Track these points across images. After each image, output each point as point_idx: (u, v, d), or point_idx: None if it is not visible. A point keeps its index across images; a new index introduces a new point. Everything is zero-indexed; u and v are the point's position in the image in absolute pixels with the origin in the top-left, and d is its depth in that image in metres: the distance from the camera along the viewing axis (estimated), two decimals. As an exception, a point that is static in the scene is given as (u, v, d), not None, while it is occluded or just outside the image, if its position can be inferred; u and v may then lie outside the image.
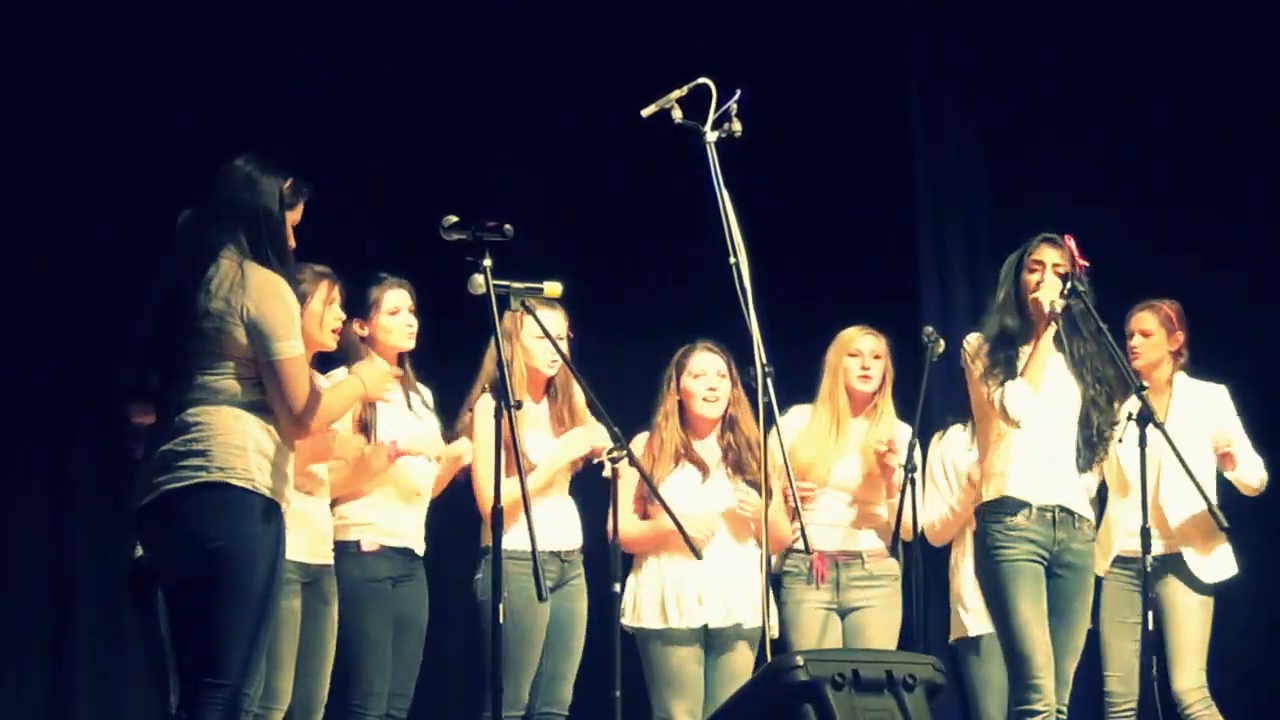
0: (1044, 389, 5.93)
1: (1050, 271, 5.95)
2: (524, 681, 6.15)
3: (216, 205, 4.86)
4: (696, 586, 6.34)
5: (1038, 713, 5.87)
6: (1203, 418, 6.56)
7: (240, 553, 4.71)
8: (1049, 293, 5.89)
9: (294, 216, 4.96)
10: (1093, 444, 5.97)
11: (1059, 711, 5.95)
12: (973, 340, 6.06)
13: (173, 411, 4.77)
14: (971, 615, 6.71)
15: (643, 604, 6.37)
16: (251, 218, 4.85)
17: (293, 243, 4.97)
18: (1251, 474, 6.55)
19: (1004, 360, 5.94)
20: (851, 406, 6.64)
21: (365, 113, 7.75)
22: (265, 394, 4.81)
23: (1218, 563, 6.54)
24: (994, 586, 5.96)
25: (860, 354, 6.61)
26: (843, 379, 6.61)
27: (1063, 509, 5.96)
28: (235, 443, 4.75)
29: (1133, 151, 8.04)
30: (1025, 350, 5.97)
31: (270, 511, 4.78)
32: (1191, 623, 6.49)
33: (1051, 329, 5.91)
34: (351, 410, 5.86)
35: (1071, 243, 6.01)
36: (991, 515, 5.98)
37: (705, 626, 6.34)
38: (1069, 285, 5.87)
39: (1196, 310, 6.77)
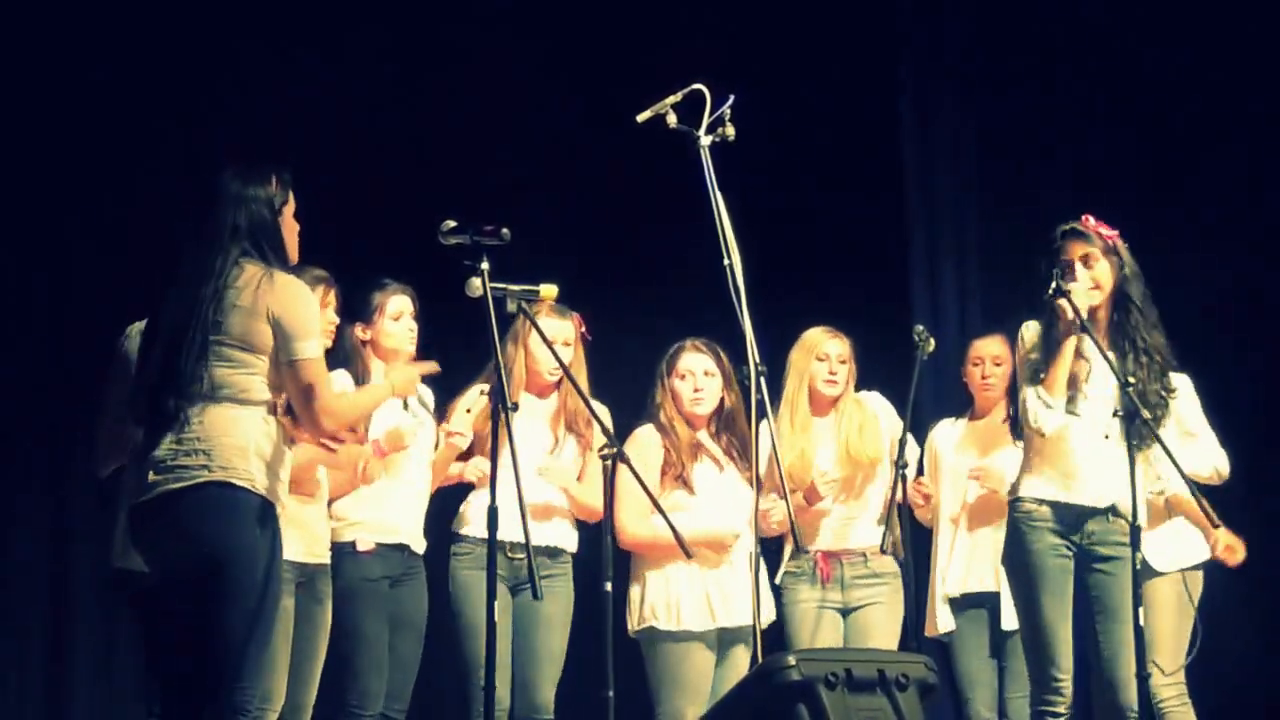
0: (1085, 389, 5.90)
1: (1080, 265, 5.91)
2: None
3: (216, 229, 4.89)
4: (708, 588, 6.37)
5: (1059, 715, 5.87)
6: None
7: (240, 553, 4.73)
8: (1080, 299, 5.83)
9: (290, 208, 5.02)
10: (1144, 417, 5.80)
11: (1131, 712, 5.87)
12: (1025, 334, 6.00)
13: (173, 410, 4.79)
14: (941, 615, 6.76)
15: (655, 606, 6.39)
16: (251, 235, 4.90)
17: (297, 227, 5.03)
18: (1202, 466, 6.41)
19: (1044, 362, 5.91)
20: (813, 407, 6.67)
21: (365, 113, 7.76)
22: (274, 395, 4.86)
23: (1180, 549, 6.43)
24: (1019, 583, 5.94)
25: (827, 358, 6.65)
26: (807, 381, 6.64)
27: (1094, 505, 5.90)
28: (237, 443, 4.78)
29: (1128, 152, 8.05)
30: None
31: (268, 512, 4.82)
32: (1168, 614, 6.40)
33: (1072, 340, 5.85)
34: None
35: (1091, 220, 5.98)
36: (1018, 508, 5.96)
37: (719, 628, 6.37)
38: (1054, 285, 5.84)
39: (1192, 310, 6.78)
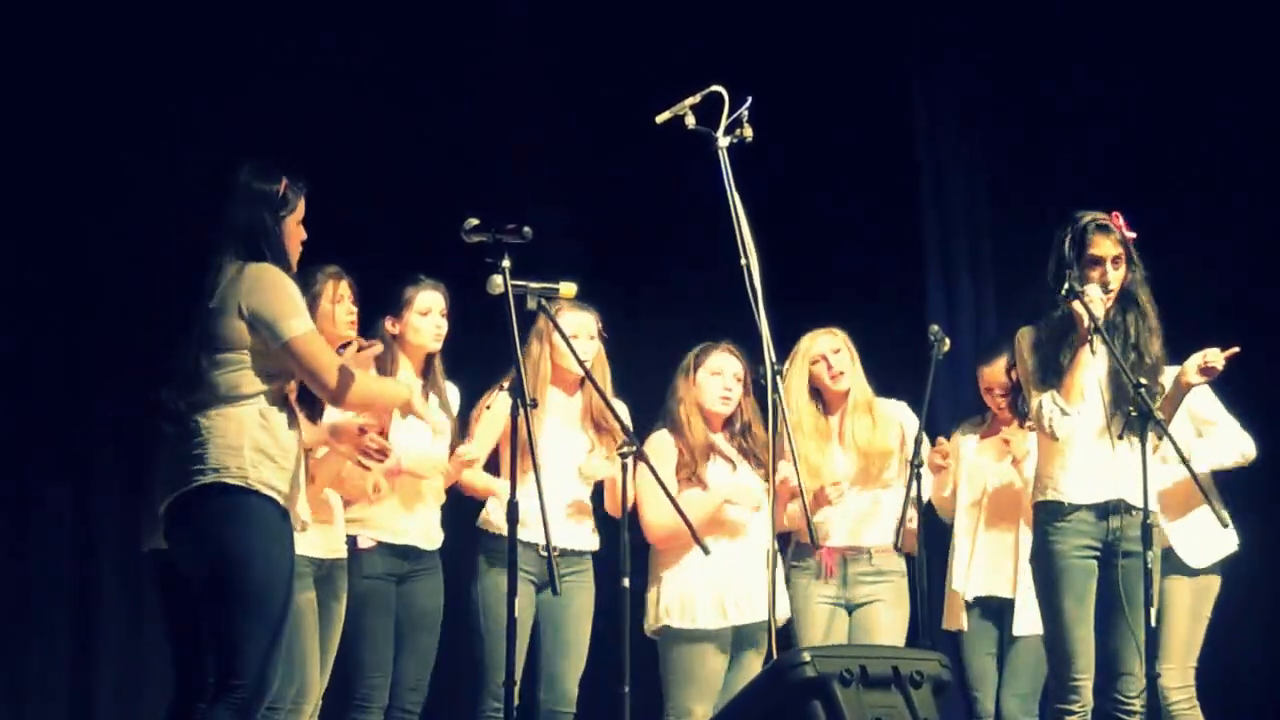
0: (1089, 391, 5.94)
1: (1110, 266, 5.95)
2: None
3: (218, 226, 4.96)
4: (722, 587, 6.38)
5: (1074, 714, 5.92)
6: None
7: (239, 553, 4.79)
8: (1098, 306, 5.86)
9: (297, 215, 5.07)
10: (1138, 413, 5.81)
11: (1127, 707, 5.93)
12: (1022, 341, 6.05)
13: (184, 415, 4.87)
14: (959, 610, 6.82)
15: (670, 606, 6.40)
16: (249, 234, 4.95)
17: (303, 235, 5.08)
18: (1226, 453, 6.51)
19: (1053, 364, 5.94)
20: (827, 407, 6.72)
21: (384, 114, 7.72)
22: (271, 384, 4.90)
23: (1208, 545, 6.48)
24: (1043, 583, 5.98)
25: (821, 358, 6.68)
26: (806, 387, 6.67)
27: (1116, 501, 5.92)
28: (231, 443, 4.83)
29: (1140, 159, 8.09)
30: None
31: (270, 507, 4.86)
32: (1182, 616, 6.45)
33: (1086, 347, 5.88)
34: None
35: (1120, 220, 6.02)
36: (1044, 512, 5.99)
37: (732, 626, 6.39)
38: (1067, 286, 5.87)
39: (1194, 315, 6.83)
